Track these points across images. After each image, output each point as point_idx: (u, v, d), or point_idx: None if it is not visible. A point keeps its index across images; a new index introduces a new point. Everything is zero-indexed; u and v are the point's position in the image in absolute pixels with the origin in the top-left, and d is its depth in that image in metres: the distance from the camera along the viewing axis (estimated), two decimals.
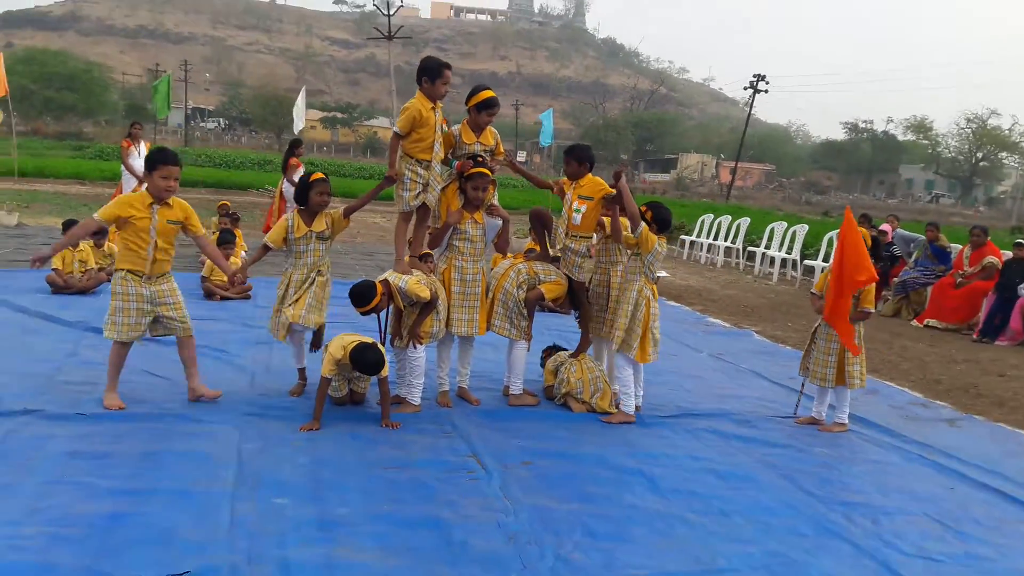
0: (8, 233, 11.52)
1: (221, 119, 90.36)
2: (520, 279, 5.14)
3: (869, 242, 5.35)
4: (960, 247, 10.87)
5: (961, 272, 10.29)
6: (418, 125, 4.83)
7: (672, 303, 10.39)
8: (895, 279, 11.34)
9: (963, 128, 72.10)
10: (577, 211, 5.14)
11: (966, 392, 6.80)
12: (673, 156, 79.98)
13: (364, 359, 4.48)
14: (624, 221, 5.08)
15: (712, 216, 17.42)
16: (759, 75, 49.19)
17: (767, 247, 14.78)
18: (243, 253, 9.10)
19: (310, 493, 3.64)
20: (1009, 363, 8.10)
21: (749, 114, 54.06)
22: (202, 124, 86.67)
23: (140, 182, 10.24)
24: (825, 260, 12.46)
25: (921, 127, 77.55)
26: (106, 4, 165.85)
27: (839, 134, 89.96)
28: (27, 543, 2.98)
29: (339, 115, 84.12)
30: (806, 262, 13.59)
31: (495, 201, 5.21)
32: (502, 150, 5.23)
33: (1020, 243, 9.84)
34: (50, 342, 5.92)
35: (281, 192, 11.11)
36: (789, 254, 14.13)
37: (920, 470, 4.68)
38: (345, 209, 5.11)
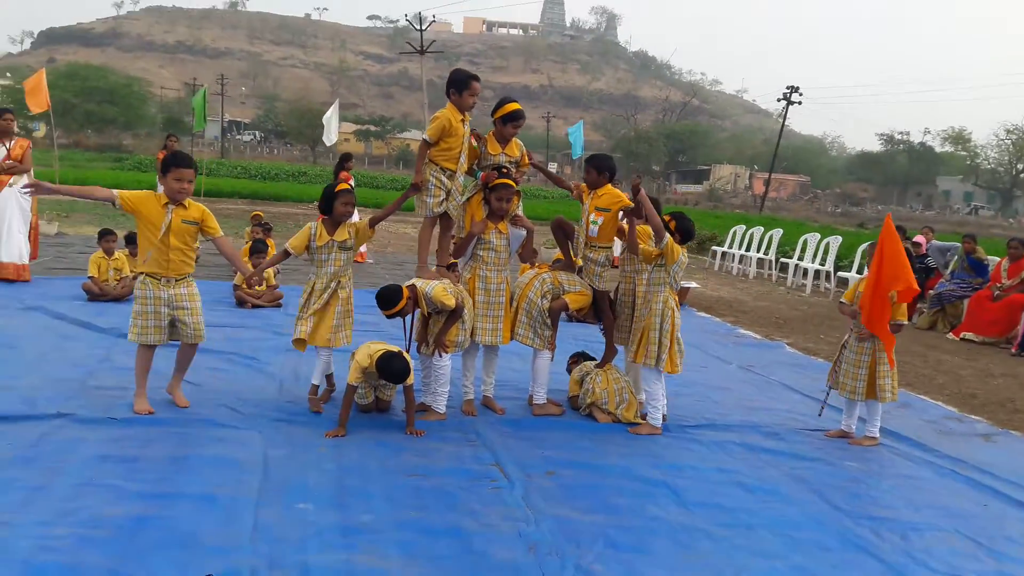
0: (48, 241, 11.78)
1: (257, 132, 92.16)
2: (544, 289, 5.15)
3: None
4: (998, 259, 10.65)
5: (999, 284, 10.08)
6: (447, 135, 4.94)
7: (702, 314, 10.30)
8: (931, 291, 11.15)
9: (1003, 139, 70.86)
10: (594, 223, 5.14)
11: (1003, 407, 6.64)
12: (706, 167, 79.57)
13: (390, 367, 4.51)
14: (647, 230, 5.06)
15: (744, 227, 17.27)
16: (792, 86, 48.84)
17: (800, 259, 14.62)
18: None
19: (335, 499, 3.66)
20: None
21: (783, 125, 53.55)
22: (238, 137, 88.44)
23: None
24: (859, 272, 12.28)
25: (959, 138, 76.26)
26: (146, 20, 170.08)
27: (875, 145, 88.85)
28: (58, 543, 3.03)
29: (372, 128, 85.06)
30: (840, 274, 13.40)
31: (520, 212, 5.24)
32: (527, 161, 5.28)
33: None
34: (84, 348, 6.05)
35: None
36: (823, 266, 13.96)
37: (953, 486, 4.57)
38: (371, 219, 5.16)
